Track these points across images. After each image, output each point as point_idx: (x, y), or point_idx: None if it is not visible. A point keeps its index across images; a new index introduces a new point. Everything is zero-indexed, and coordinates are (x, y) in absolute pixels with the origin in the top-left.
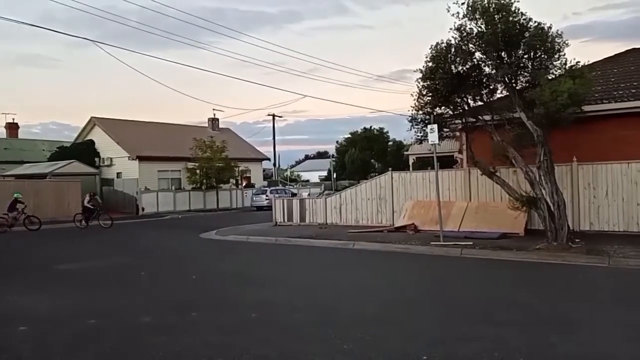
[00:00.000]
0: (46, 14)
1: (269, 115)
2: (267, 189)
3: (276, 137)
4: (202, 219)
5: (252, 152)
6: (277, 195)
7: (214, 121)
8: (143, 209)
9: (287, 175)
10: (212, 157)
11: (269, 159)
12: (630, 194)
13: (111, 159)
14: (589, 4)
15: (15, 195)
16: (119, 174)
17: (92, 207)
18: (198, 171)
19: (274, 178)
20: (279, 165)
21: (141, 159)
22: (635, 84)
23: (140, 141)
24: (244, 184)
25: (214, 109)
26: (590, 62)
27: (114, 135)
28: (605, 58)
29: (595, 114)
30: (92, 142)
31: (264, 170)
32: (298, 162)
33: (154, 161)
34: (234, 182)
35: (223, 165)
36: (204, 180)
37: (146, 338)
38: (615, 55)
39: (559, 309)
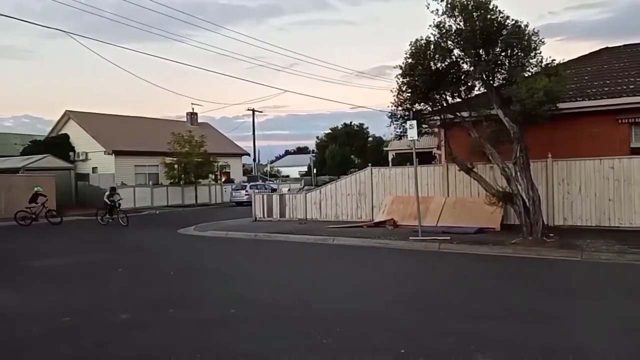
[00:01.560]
0: (19, 4)
1: (248, 110)
2: (246, 184)
3: (256, 132)
4: (180, 214)
5: (232, 147)
6: (256, 191)
7: (192, 115)
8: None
9: (267, 170)
10: (191, 152)
11: (248, 154)
12: (602, 190)
13: (86, 153)
14: (565, 4)
15: (36, 188)
16: (94, 169)
17: (110, 203)
18: (176, 166)
19: (253, 173)
20: (259, 161)
21: (117, 153)
22: (608, 82)
23: (117, 135)
24: (223, 180)
25: (192, 103)
26: (565, 60)
27: (89, 129)
28: (580, 57)
29: (570, 111)
30: (66, 136)
31: (243, 166)
32: (278, 158)
33: (131, 156)
34: (213, 177)
35: (202, 160)
36: (182, 176)
37: (123, 335)
38: (589, 54)
39: (534, 302)
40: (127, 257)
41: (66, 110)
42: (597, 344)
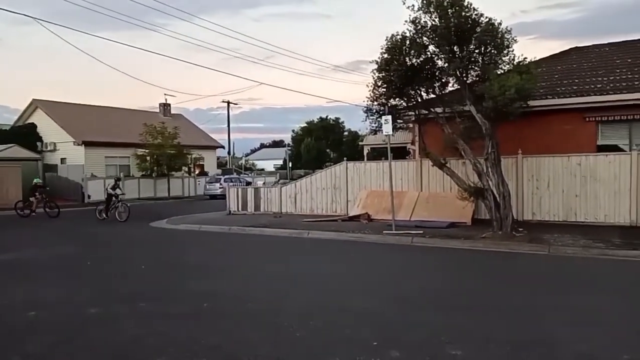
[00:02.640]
0: None
1: (223, 101)
2: (221, 177)
3: (231, 125)
4: (153, 207)
5: (206, 140)
6: (231, 184)
7: (165, 106)
8: (89, 197)
9: (241, 163)
10: (164, 144)
11: (223, 147)
12: (569, 186)
13: (55, 143)
14: (537, 3)
15: (35, 180)
16: (63, 160)
17: (114, 195)
18: (148, 158)
19: (228, 166)
20: (234, 154)
21: (87, 144)
22: (577, 81)
23: (87, 126)
24: (197, 172)
25: (165, 94)
26: (537, 58)
27: (58, 118)
28: (550, 55)
29: (540, 109)
30: (33, 126)
31: (218, 158)
32: (253, 151)
33: (101, 147)
34: (187, 169)
35: (175, 152)
36: (155, 168)
37: (92, 329)
38: (559, 53)
39: (503, 295)
40: (97, 251)
41: (33, 99)
42: (562, 334)
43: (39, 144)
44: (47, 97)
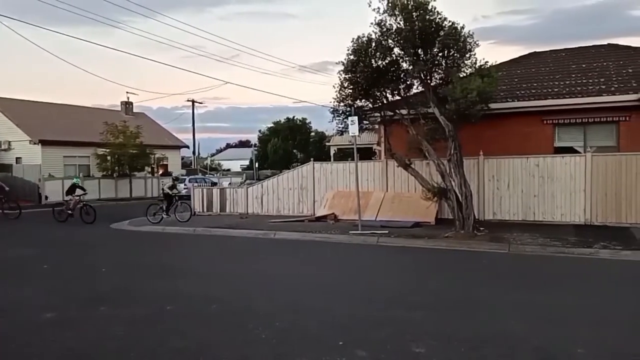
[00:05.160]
0: None
1: (188, 100)
2: (185, 177)
3: (196, 124)
4: (114, 208)
5: (170, 139)
6: (196, 184)
7: (127, 105)
8: (47, 198)
9: (207, 163)
10: (125, 143)
11: (187, 147)
12: (528, 186)
13: (9, 142)
14: (497, 8)
15: (74, 180)
16: (18, 159)
17: (172, 195)
18: (109, 158)
19: (193, 166)
20: (199, 154)
21: (44, 143)
22: (535, 85)
23: (44, 124)
24: (160, 172)
25: (127, 92)
26: (497, 62)
27: (12, 116)
28: (510, 60)
29: (500, 111)
30: None
31: (182, 159)
32: (219, 151)
33: (60, 146)
34: (150, 170)
35: (137, 152)
36: (116, 168)
37: (48, 334)
38: (519, 57)
39: (465, 293)
40: (54, 253)
41: None
42: (520, 330)
43: None
44: (1, 94)
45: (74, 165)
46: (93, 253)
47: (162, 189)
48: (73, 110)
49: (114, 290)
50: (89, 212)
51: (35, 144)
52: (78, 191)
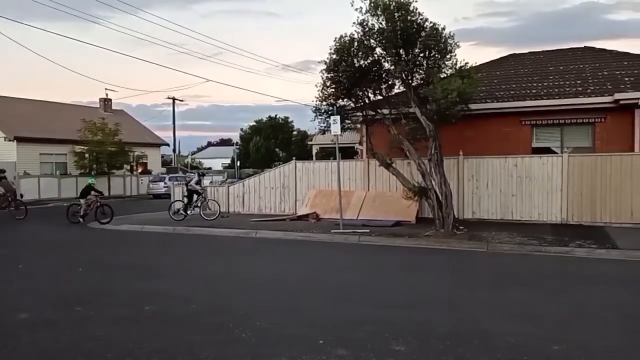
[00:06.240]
0: None
1: (168, 98)
2: (165, 176)
3: (176, 122)
4: None
5: (150, 137)
6: (176, 183)
7: (106, 102)
8: (22, 196)
9: (188, 162)
10: (104, 141)
11: (167, 145)
12: (506, 186)
13: None
14: (478, 11)
15: (90, 181)
16: None
17: (199, 191)
18: (87, 155)
19: (173, 165)
20: (180, 152)
21: (20, 140)
22: (514, 86)
23: (20, 120)
24: (139, 171)
25: (106, 89)
26: (477, 64)
27: None
28: (490, 61)
29: (480, 112)
30: None
31: (162, 157)
32: (200, 149)
33: (36, 143)
34: (129, 168)
35: (116, 150)
36: (94, 166)
37: (23, 335)
38: (499, 59)
39: (444, 291)
40: (30, 253)
41: None
42: (497, 328)
43: None
44: None
45: (50, 162)
46: (69, 252)
47: (187, 184)
48: (50, 107)
49: (91, 290)
50: (105, 212)
51: (10, 140)
52: (93, 193)
